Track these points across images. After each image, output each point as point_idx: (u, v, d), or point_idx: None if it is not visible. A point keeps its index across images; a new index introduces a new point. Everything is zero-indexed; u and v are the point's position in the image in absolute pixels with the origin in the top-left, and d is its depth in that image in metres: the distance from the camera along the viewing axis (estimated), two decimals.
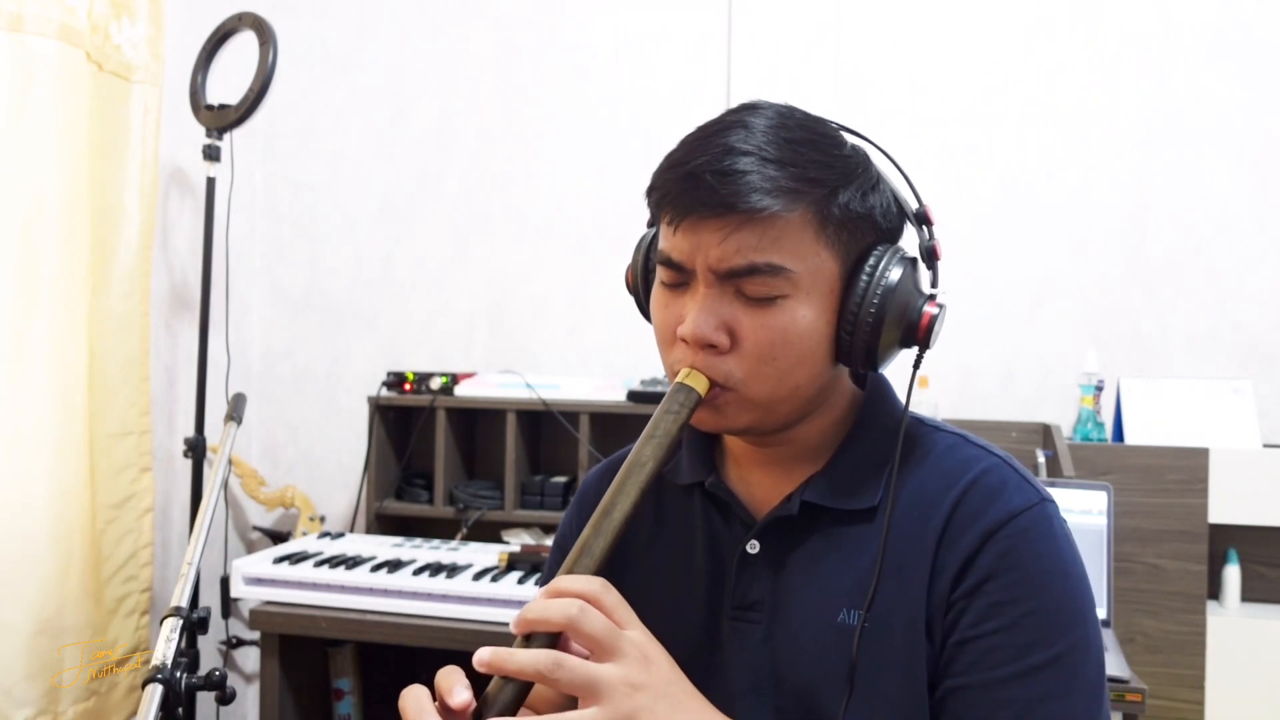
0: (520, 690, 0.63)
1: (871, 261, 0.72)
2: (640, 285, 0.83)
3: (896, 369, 0.79)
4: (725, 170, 0.68)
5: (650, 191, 0.74)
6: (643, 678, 0.62)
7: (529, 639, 0.63)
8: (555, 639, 0.63)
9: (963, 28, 2.38)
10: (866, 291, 0.71)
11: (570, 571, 0.67)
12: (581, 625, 0.62)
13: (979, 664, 0.69)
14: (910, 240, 0.78)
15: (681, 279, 0.73)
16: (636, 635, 0.64)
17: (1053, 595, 0.70)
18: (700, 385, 0.72)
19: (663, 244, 0.74)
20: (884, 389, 0.83)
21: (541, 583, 0.95)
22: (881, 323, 0.71)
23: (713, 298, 0.71)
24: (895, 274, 0.72)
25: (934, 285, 0.77)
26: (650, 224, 0.82)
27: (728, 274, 0.70)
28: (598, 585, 0.65)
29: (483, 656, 0.61)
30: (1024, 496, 0.73)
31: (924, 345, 0.75)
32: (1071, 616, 0.70)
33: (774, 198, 0.68)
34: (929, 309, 0.74)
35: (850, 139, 0.76)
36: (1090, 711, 0.69)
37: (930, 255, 0.76)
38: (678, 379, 0.72)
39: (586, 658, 0.62)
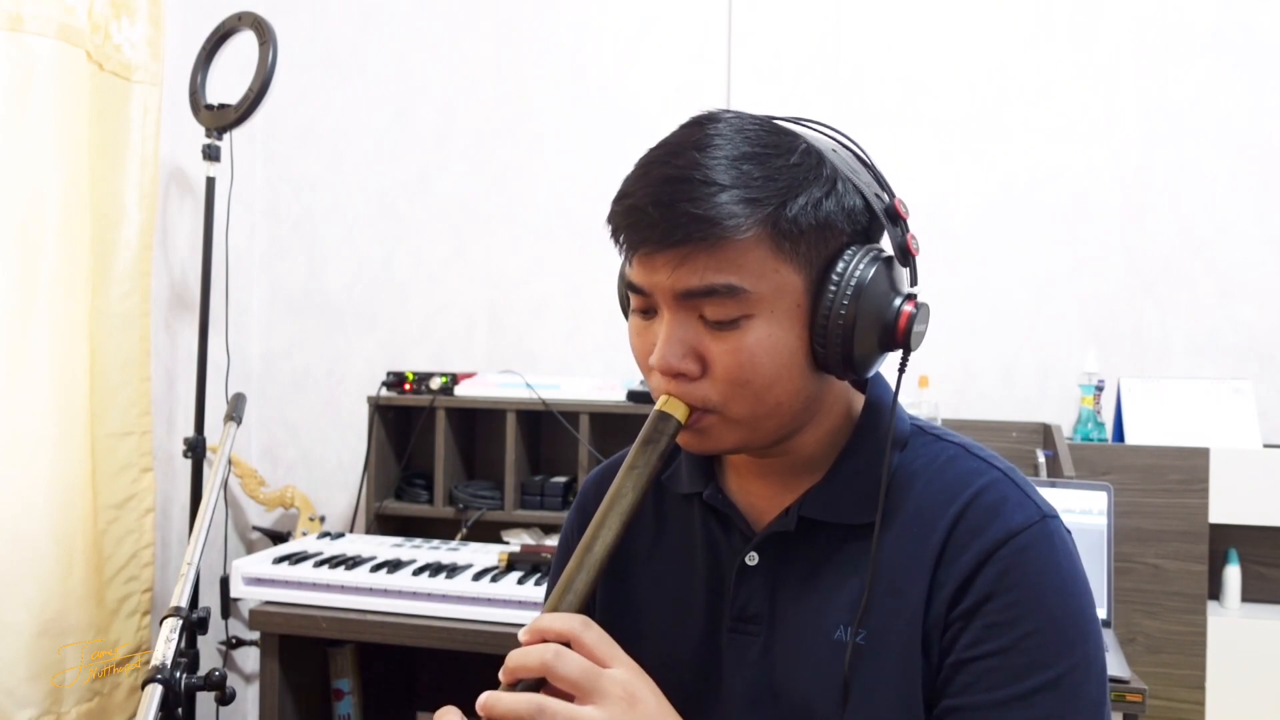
0: None
1: (839, 267, 0.69)
2: (623, 307, 0.81)
3: (891, 372, 0.77)
4: (666, 202, 0.66)
5: (607, 221, 0.72)
6: (627, 719, 0.61)
7: (516, 685, 0.62)
8: (543, 683, 0.62)
9: (963, 28, 2.38)
10: (834, 299, 0.68)
11: (555, 609, 0.66)
12: (558, 670, 0.61)
13: (976, 685, 0.68)
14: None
15: (649, 305, 0.72)
16: (620, 673, 0.63)
17: (1053, 616, 0.68)
18: (679, 412, 0.70)
19: (628, 272, 0.73)
20: (884, 395, 0.80)
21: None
22: (853, 329, 0.68)
23: (677, 324, 0.69)
24: (865, 276, 0.69)
25: (914, 283, 0.74)
26: None
27: (685, 295, 0.68)
28: (578, 624, 0.64)
29: (480, 700, 0.61)
30: (1024, 514, 0.71)
31: (906, 346, 0.71)
32: (1073, 636, 0.69)
33: (717, 224, 0.66)
34: (906, 308, 0.71)
35: (817, 137, 0.73)
36: None
37: (904, 252, 0.72)
38: (656, 406, 0.71)
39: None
